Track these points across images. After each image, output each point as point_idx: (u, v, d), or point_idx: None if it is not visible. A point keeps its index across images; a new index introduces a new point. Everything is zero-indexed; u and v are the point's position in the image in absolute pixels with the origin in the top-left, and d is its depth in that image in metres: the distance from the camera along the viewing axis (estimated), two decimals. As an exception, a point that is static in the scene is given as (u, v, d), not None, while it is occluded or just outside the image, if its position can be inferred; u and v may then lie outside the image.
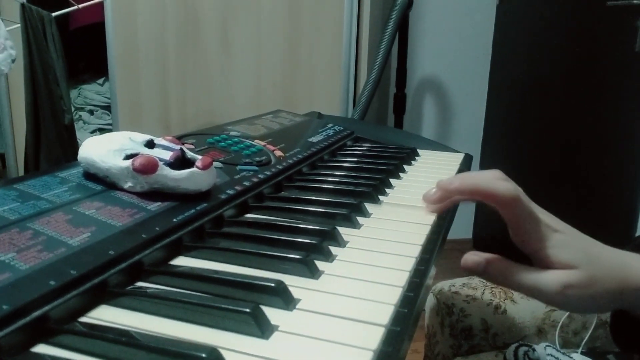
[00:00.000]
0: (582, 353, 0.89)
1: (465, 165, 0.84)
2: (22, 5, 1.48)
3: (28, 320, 0.31)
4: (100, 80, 2.35)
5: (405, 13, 1.81)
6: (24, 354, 0.31)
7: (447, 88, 2.42)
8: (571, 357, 0.84)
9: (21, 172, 1.91)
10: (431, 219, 0.55)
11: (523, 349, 0.84)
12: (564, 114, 1.94)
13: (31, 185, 0.46)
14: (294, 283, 0.39)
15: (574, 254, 0.45)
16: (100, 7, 1.77)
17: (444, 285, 1.03)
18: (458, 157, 0.86)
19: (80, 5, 1.66)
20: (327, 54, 1.84)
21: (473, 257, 0.47)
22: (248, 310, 0.33)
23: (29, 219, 0.40)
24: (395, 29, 1.76)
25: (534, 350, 0.83)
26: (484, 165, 2.38)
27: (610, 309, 0.52)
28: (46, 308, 0.32)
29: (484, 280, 0.98)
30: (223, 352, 0.30)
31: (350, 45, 1.84)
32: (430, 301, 1.03)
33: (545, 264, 0.46)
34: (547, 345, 0.84)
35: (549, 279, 0.45)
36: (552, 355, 0.83)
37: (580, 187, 1.88)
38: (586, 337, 0.94)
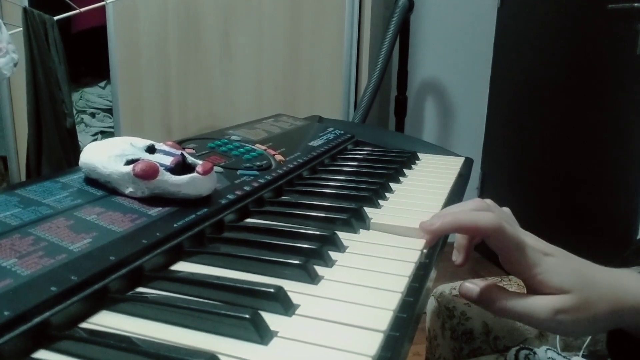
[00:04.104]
0: (583, 356, 0.89)
1: (466, 169, 0.84)
2: (24, 9, 1.49)
3: (29, 326, 0.31)
4: (102, 84, 2.35)
5: (406, 16, 1.81)
6: (25, 360, 0.31)
7: (449, 91, 2.42)
8: (572, 361, 0.84)
9: (23, 175, 1.91)
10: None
11: (524, 352, 0.84)
12: (565, 116, 1.94)
13: (32, 190, 0.46)
14: (294, 288, 0.39)
15: (566, 278, 0.45)
16: (102, 10, 1.77)
17: (445, 288, 1.03)
18: (458, 161, 0.86)
19: (82, 9, 1.66)
20: (328, 58, 1.85)
21: (468, 285, 0.48)
22: (247, 316, 0.33)
23: (31, 224, 0.40)
24: (396, 32, 1.76)
25: (535, 353, 0.83)
26: (484, 169, 2.39)
27: (606, 330, 0.51)
28: (47, 314, 0.33)
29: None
30: (222, 358, 0.30)
31: (351, 48, 1.84)
32: (431, 304, 1.03)
33: (538, 290, 0.45)
34: (548, 349, 0.84)
35: (540, 305, 0.44)
36: (552, 359, 0.82)
37: (581, 190, 1.88)
38: (587, 341, 0.94)
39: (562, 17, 1.95)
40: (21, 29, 1.50)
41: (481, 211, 0.46)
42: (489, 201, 0.49)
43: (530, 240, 0.47)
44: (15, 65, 1.39)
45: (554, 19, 1.98)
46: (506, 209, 0.50)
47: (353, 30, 1.83)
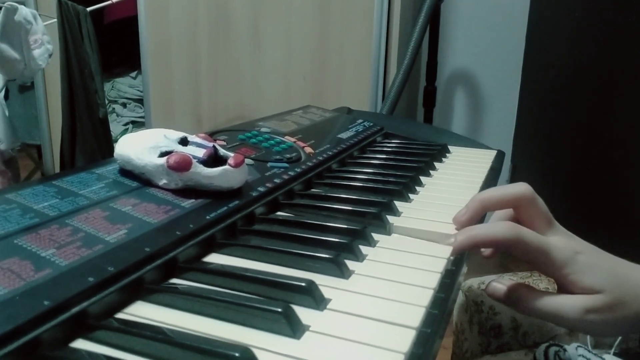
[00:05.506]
0: (614, 354, 0.87)
1: (498, 163, 0.83)
2: (59, 0, 1.52)
3: (68, 316, 0.32)
4: (133, 74, 2.39)
5: (436, 5, 1.79)
6: (64, 349, 0.31)
7: (479, 81, 2.39)
8: (603, 358, 0.82)
9: (56, 163, 1.96)
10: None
11: (554, 348, 0.83)
12: (600, 110, 1.89)
13: (69, 181, 0.47)
14: (325, 282, 0.39)
15: (598, 277, 0.44)
16: (133, 1, 1.80)
17: (473, 282, 1.02)
18: (490, 154, 0.85)
19: (115, 0, 1.69)
20: (357, 48, 1.83)
21: (494, 284, 0.48)
22: (280, 309, 0.33)
23: (68, 215, 0.41)
24: (426, 22, 1.74)
25: (565, 350, 0.82)
26: (515, 161, 2.35)
27: (639, 331, 0.50)
28: (85, 304, 0.33)
29: (514, 279, 0.97)
30: (255, 351, 0.30)
31: (380, 38, 1.82)
32: (459, 298, 1.02)
33: (569, 289, 0.45)
34: (578, 346, 0.82)
35: (570, 304, 0.44)
36: (583, 356, 0.81)
37: (615, 183, 1.83)
38: (619, 338, 0.92)
39: (598, 6, 1.89)
40: (56, 20, 1.53)
41: (497, 223, 0.46)
42: (529, 191, 0.48)
43: (557, 239, 0.46)
44: (50, 56, 1.42)
45: (589, 8, 1.93)
46: (540, 201, 0.49)
47: (382, 20, 1.81)
